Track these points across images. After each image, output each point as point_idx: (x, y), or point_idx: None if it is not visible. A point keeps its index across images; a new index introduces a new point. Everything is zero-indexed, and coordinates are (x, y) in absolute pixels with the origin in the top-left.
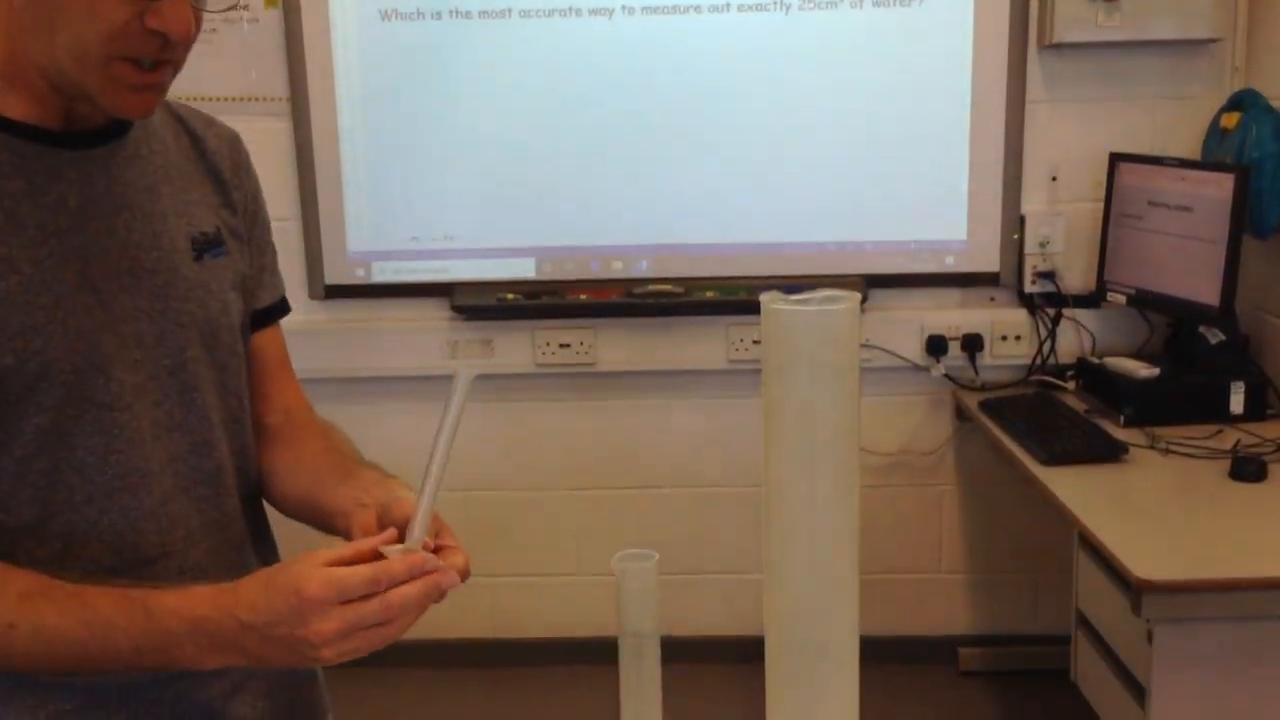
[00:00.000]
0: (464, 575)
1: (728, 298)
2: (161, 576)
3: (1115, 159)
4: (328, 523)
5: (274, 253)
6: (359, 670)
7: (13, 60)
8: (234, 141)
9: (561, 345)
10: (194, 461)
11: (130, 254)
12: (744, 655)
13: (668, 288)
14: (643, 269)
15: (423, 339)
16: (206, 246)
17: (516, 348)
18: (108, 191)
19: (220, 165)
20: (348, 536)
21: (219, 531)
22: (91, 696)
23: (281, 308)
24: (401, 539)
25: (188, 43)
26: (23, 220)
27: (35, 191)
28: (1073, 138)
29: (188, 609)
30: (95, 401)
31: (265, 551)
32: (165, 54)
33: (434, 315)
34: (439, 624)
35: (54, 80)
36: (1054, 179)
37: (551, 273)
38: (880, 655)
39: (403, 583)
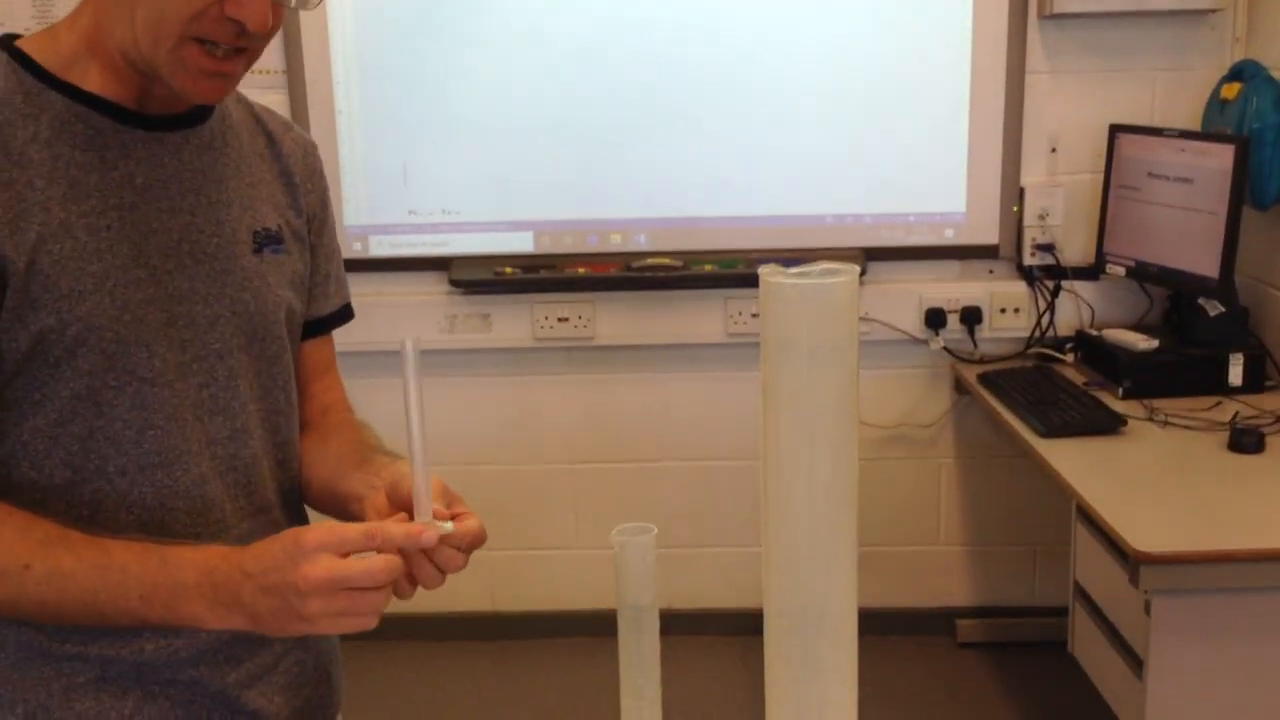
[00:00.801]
0: (479, 539)
1: (726, 271)
2: None
3: (1115, 130)
4: (346, 509)
5: (339, 260)
6: (360, 644)
7: (98, 32)
8: (310, 148)
9: (560, 319)
10: (231, 448)
11: (191, 237)
12: (742, 628)
13: (666, 261)
14: (641, 242)
15: (421, 313)
16: (267, 241)
17: (515, 322)
18: (176, 175)
19: (293, 169)
20: (363, 520)
21: (253, 517)
22: (106, 670)
23: (341, 315)
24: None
25: (266, 35)
26: (87, 191)
27: (104, 165)
28: (1072, 109)
29: (202, 560)
30: (136, 375)
31: None
32: (241, 42)
33: (432, 289)
34: (439, 598)
35: (131, 56)
36: (1053, 150)
37: (549, 246)
38: (879, 627)
39: (399, 545)
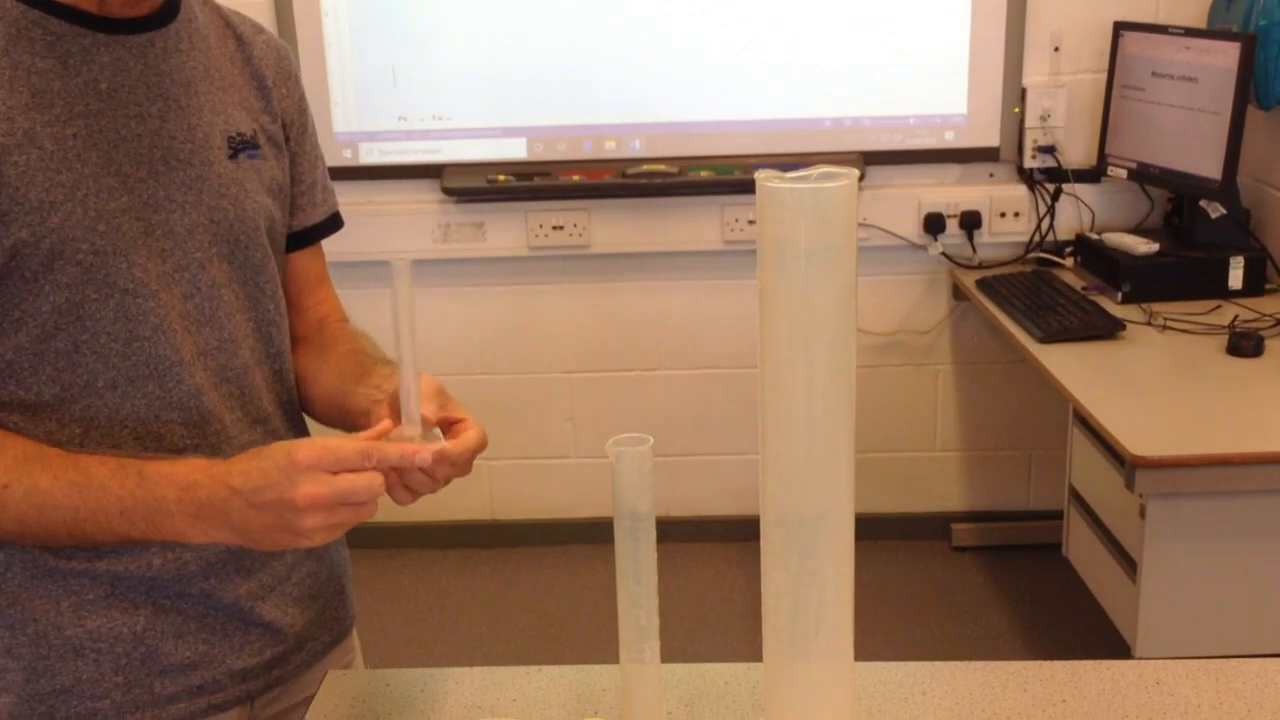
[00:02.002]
0: (478, 450)
1: (723, 177)
2: None
3: (1119, 28)
4: (352, 423)
5: (324, 167)
6: (361, 551)
7: None
8: (283, 51)
9: (554, 227)
10: (222, 358)
11: (163, 143)
12: (740, 534)
13: (662, 167)
14: (636, 148)
15: (413, 222)
16: (242, 146)
17: (509, 230)
18: (143, 79)
19: (265, 72)
20: None
21: (251, 428)
22: (115, 587)
23: (330, 225)
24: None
25: None
26: (50, 98)
27: (66, 71)
28: (1076, 6)
29: (181, 475)
30: (117, 287)
31: None
32: None
33: (424, 197)
34: (439, 507)
35: None
36: (1056, 50)
37: (543, 153)
38: (875, 532)
39: (394, 465)
